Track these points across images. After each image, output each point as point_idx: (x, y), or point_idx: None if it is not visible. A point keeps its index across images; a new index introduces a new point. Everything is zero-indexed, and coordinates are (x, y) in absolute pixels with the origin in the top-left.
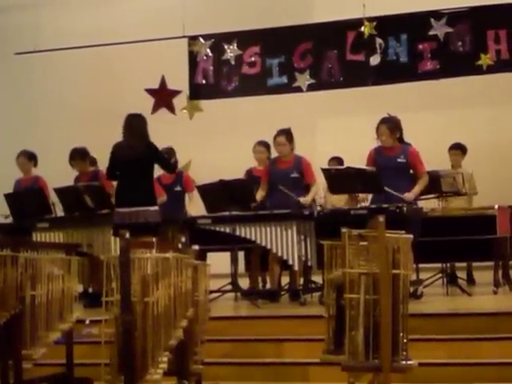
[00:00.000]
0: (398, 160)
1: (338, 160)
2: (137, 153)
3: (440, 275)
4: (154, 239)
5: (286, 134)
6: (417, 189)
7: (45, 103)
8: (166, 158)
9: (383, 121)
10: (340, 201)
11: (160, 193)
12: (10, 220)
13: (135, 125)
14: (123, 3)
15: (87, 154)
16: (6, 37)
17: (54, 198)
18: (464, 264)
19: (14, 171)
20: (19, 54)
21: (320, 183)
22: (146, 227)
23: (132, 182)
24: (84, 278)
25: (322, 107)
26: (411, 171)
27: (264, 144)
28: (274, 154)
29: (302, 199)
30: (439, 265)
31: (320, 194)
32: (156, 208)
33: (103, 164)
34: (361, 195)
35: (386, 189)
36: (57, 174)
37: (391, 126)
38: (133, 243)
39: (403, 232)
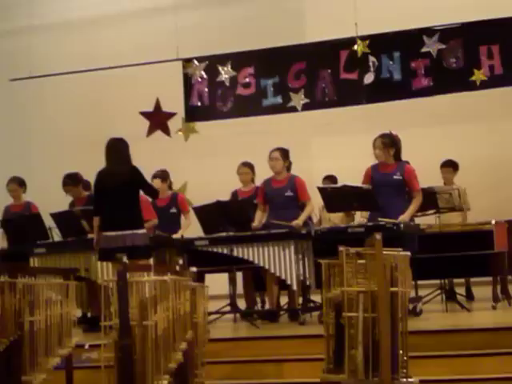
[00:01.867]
0: (394, 177)
1: (331, 178)
2: (121, 178)
3: (439, 291)
4: (151, 262)
5: (281, 150)
6: (411, 209)
7: (39, 128)
8: (150, 184)
9: (381, 135)
10: (336, 218)
11: (152, 215)
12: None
13: (117, 149)
14: (117, 27)
15: (80, 180)
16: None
17: (50, 222)
18: (462, 280)
19: (4, 197)
20: (14, 81)
21: (316, 202)
22: (134, 250)
23: (118, 206)
24: (83, 303)
25: (316, 126)
26: (407, 188)
27: (248, 165)
28: (261, 174)
29: (294, 223)
30: (438, 281)
31: (315, 213)
32: (143, 231)
33: None
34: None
35: (380, 219)
36: (51, 199)
37: (386, 140)
38: (130, 266)
39: (401, 249)
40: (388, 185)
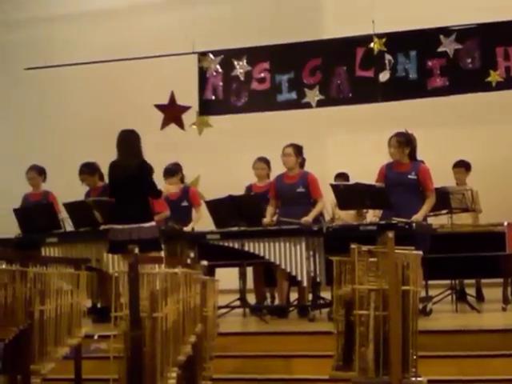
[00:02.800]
0: (409, 176)
1: (344, 176)
2: (130, 171)
3: (449, 292)
4: (162, 254)
5: (295, 146)
6: (424, 209)
7: (54, 118)
8: (154, 184)
9: (396, 134)
10: (348, 216)
11: (164, 208)
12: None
13: (128, 142)
14: (133, 19)
15: (96, 169)
16: (16, 52)
17: (64, 212)
18: (473, 281)
19: (24, 186)
20: (30, 69)
21: (328, 199)
22: (141, 244)
23: (126, 199)
24: (93, 293)
25: (331, 123)
26: (421, 188)
27: (264, 160)
28: (275, 170)
29: (302, 220)
30: (448, 281)
31: (328, 210)
32: (152, 224)
33: None
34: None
35: (394, 219)
36: (67, 188)
37: (401, 139)
38: (141, 258)
39: (413, 248)
40: (402, 184)
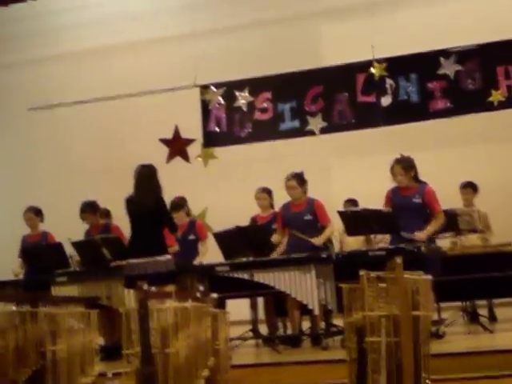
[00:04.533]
0: (414, 200)
1: (353, 202)
2: (145, 207)
3: (461, 313)
4: (172, 289)
5: (297, 177)
6: (430, 228)
7: (59, 156)
8: (171, 218)
9: (397, 161)
10: (356, 243)
11: (173, 242)
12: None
13: (143, 177)
14: (134, 55)
15: (97, 208)
16: (18, 93)
17: (70, 250)
18: (485, 301)
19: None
20: (32, 110)
21: (336, 226)
22: (157, 277)
23: (142, 233)
24: (105, 331)
25: (335, 150)
26: (428, 210)
27: (266, 190)
28: (279, 199)
29: (313, 240)
30: (460, 303)
31: (336, 236)
32: (167, 257)
33: (116, 216)
34: (378, 236)
35: (403, 234)
36: (69, 228)
37: (405, 165)
38: (151, 294)
39: (422, 273)
40: (408, 208)
